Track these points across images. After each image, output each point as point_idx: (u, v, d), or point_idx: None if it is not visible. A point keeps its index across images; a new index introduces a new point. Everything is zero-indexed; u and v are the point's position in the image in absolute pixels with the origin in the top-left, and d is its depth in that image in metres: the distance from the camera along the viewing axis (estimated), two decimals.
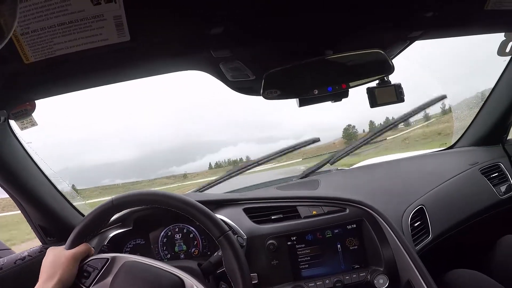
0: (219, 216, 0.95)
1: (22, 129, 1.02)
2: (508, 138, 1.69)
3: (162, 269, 0.78)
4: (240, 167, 1.56)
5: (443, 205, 1.34)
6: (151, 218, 1.17)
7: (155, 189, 0.94)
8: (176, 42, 0.78)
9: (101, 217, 0.84)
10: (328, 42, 0.88)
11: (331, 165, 1.58)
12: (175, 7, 0.67)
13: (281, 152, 1.56)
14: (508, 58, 1.41)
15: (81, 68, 0.80)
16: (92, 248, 0.85)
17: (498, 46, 1.34)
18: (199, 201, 0.83)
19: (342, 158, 1.58)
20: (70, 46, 0.68)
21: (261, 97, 0.88)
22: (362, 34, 0.90)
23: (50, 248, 0.83)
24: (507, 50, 1.33)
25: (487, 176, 1.52)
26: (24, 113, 0.97)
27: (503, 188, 1.51)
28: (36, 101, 0.97)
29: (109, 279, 0.76)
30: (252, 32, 0.79)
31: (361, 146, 1.57)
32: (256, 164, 1.55)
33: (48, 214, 1.13)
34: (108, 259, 0.80)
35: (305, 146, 1.54)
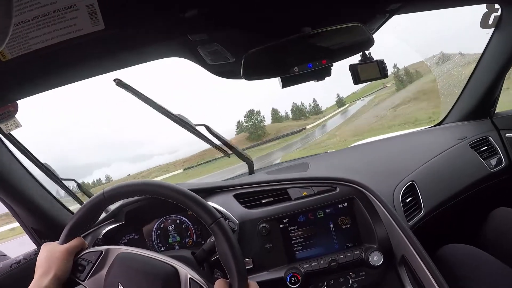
0: (210, 203, 0.95)
1: (6, 131, 1.01)
2: (496, 111, 1.70)
3: (156, 259, 0.78)
4: None
5: (434, 180, 1.35)
6: (143, 211, 1.17)
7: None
8: (152, 28, 0.77)
9: (93, 210, 0.84)
10: (306, 19, 0.87)
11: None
12: None
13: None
14: (491, 30, 1.41)
15: (61, 62, 0.80)
16: (86, 242, 0.86)
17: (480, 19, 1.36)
18: (190, 190, 0.83)
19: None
20: (46, 39, 0.68)
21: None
22: (340, 9, 0.90)
23: (44, 244, 0.83)
24: (490, 22, 1.34)
25: (476, 150, 1.53)
26: (7, 115, 0.97)
27: (493, 161, 1.53)
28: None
29: (104, 271, 0.77)
30: (227, 13, 0.79)
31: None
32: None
33: (40, 216, 1.13)
34: (102, 251, 0.80)
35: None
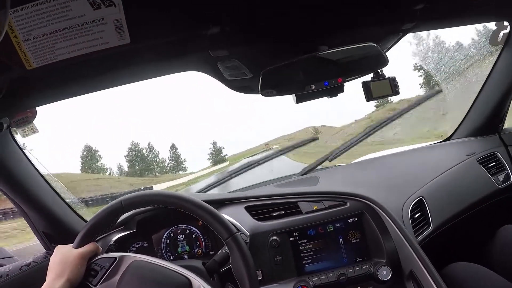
0: (222, 215, 0.96)
1: (23, 136, 1.03)
2: (504, 127, 1.71)
3: (169, 269, 0.78)
4: (241, 167, 1.62)
5: (443, 196, 1.35)
6: (154, 220, 1.18)
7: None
8: (175, 43, 0.79)
9: (110, 217, 0.85)
10: (322, 38, 0.89)
11: (329, 162, 1.63)
12: (173, 9, 0.68)
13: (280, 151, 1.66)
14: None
15: (82, 72, 0.82)
16: (100, 247, 0.86)
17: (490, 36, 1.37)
18: (203, 201, 0.84)
19: (341, 154, 1.62)
20: (72, 50, 0.69)
21: None
22: (356, 28, 0.91)
23: (58, 246, 0.84)
24: (499, 39, 1.35)
25: (484, 166, 1.53)
26: (25, 121, 0.98)
27: (501, 177, 1.53)
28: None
29: (116, 278, 0.77)
30: (248, 31, 0.81)
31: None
32: (256, 164, 1.61)
33: (52, 221, 1.14)
34: (116, 258, 0.81)
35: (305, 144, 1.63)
